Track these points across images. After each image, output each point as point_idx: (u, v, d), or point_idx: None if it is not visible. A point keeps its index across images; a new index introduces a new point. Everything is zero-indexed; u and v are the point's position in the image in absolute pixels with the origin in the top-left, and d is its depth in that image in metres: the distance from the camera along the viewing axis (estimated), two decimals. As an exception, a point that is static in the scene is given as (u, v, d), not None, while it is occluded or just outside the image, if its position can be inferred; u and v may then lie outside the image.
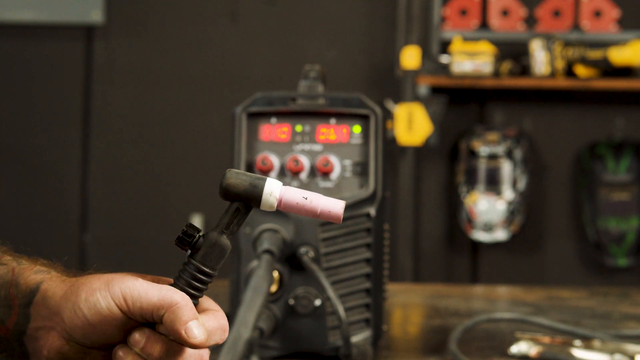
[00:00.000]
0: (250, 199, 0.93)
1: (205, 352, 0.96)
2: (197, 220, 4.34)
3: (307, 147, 1.54)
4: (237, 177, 0.93)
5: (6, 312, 0.98)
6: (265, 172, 1.53)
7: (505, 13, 4.30)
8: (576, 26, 4.28)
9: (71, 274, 1.00)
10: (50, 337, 0.96)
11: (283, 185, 0.93)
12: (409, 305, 2.10)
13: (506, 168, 4.19)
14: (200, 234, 0.94)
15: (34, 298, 0.97)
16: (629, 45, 4.15)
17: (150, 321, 0.93)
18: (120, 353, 0.94)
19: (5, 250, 1.04)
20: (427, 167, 4.38)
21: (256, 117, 1.55)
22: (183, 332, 0.91)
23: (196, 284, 0.94)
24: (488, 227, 4.17)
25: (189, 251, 0.94)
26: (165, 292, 0.92)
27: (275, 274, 1.49)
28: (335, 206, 0.92)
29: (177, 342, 0.93)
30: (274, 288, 1.49)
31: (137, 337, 0.93)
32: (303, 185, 1.53)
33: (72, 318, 0.94)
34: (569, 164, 4.36)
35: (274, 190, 0.92)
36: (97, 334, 0.94)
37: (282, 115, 1.55)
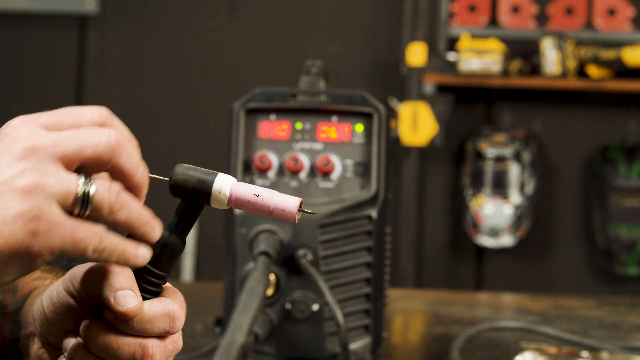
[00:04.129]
0: (199, 196, 0.91)
1: (154, 344, 0.90)
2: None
3: (307, 145, 1.53)
4: (185, 172, 0.91)
5: (2, 320, 0.99)
6: (264, 171, 1.51)
7: (515, 10, 4.31)
8: (589, 25, 4.29)
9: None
10: (34, 343, 0.96)
11: (237, 181, 0.91)
12: (410, 311, 2.09)
13: (514, 171, 4.18)
14: None
15: (23, 305, 0.98)
16: (644, 45, 4.18)
17: (97, 300, 0.90)
18: (65, 342, 0.92)
19: None
20: (432, 168, 4.38)
21: (255, 113, 1.54)
22: (112, 299, 0.87)
23: (147, 286, 0.91)
24: (494, 232, 4.17)
25: None
26: (103, 263, 0.89)
27: (272, 276, 1.47)
28: (289, 205, 0.89)
29: (117, 330, 0.89)
30: (270, 291, 1.48)
31: (82, 324, 0.91)
32: (302, 186, 1.51)
33: (39, 316, 0.94)
34: (579, 168, 4.36)
35: (223, 187, 0.90)
36: (56, 328, 0.93)
37: (282, 112, 1.54)
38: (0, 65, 4.48)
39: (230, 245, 1.49)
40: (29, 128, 0.83)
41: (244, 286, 1.29)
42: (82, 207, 0.82)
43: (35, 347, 0.96)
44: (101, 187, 0.82)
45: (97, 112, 0.85)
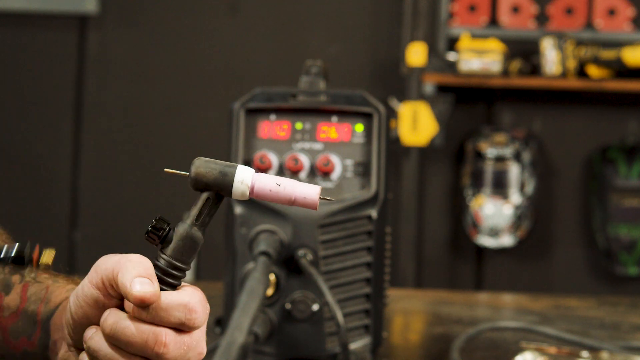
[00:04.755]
0: (221, 188, 0.92)
1: (168, 334, 0.92)
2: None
3: (307, 145, 1.53)
4: (206, 165, 0.92)
5: (32, 328, 1.02)
6: (264, 171, 1.49)
7: (515, 10, 4.30)
8: (589, 25, 4.28)
9: None
10: (62, 347, 0.98)
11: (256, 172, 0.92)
12: (410, 311, 2.10)
13: (514, 171, 4.18)
14: (170, 226, 0.94)
15: (55, 312, 1.01)
16: (644, 45, 4.17)
17: (118, 291, 0.92)
18: (85, 332, 0.93)
19: (44, 269, 1.08)
20: (432, 168, 4.38)
21: (255, 113, 1.53)
22: (128, 285, 0.90)
23: (168, 279, 0.93)
24: (494, 232, 4.16)
25: (160, 245, 0.94)
26: (125, 254, 0.93)
27: (272, 276, 1.48)
28: (311, 192, 0.91)
29: (134, 317, 0.91)
30: (270, 291, 1.48)
31: (103, 315, 0.93)
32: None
33: (67, 321, 0.95)
34: (579, 168, 4.35)
35: (245, 177, 0.91)
36: (82, 327, 0.94)
37: (282, 112, 1.54)
38: (0, 65, 4.46)
39: (230, 245, 1.49)
40: None
41: (244, 286, 1.30)
42: None
43: (62, 351, 0.98)
44: None
45: None
